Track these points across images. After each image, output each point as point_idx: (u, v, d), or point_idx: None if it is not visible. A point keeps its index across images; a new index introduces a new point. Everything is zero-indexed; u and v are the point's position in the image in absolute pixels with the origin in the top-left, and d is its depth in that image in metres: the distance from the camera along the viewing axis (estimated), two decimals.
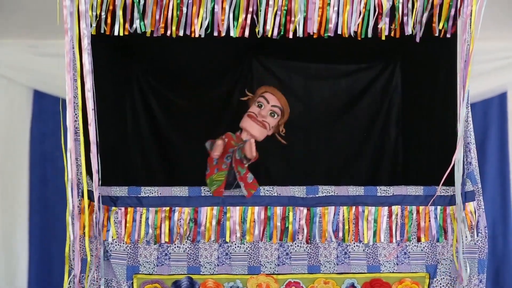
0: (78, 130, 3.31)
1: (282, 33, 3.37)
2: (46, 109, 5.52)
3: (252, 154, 3.40)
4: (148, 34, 3.38)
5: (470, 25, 3.31)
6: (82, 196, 3.42)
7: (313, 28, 3.36)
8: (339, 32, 3.37)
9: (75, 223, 3.32)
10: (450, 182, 3.52)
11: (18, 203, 5.60)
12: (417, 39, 3.40)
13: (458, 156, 3.36)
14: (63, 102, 3.28)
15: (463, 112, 3.35)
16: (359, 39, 3.40)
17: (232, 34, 3.37)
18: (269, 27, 3.36)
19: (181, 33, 3.37)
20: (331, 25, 3.36)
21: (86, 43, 3.25)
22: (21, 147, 5.59)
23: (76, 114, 3.33)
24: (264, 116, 3.68)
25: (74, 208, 3.30)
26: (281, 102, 3.73)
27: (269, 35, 3.38)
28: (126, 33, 3.37)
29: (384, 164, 4.98)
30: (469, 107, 3.46)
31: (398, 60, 4.93)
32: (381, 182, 4.72)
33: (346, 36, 3.38)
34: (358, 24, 3.37)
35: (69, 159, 3.27)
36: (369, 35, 3.39)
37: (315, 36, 3.39)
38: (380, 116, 4.98)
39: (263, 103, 3.70)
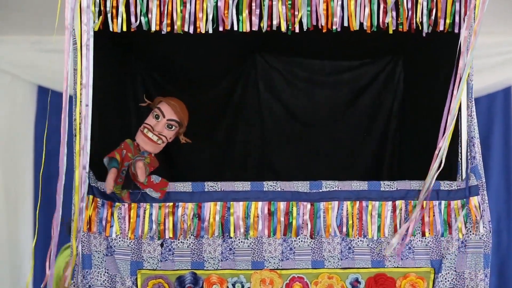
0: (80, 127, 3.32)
1: (290, 27, 3.37)
2: (50, 105, 5.52)
3: (141, 179, 3.37)
4: (152, 31, 3.38)
5: (474, 19, 3.30)
6: (87, 192, 3.42)
7: (320, 21, 3.35)
8: (345, 24, 3.36)
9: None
10: (453, 177, 3.53)
11: (23, 201, 5.61)
12: (424, 34, 3.39)
13: (442, 147, 3.35)
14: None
15: (454, 104, 3.34)
16: (369, 31, 3.38)
17: (235, 28, 3.37)
18: (275, 21, 3.35)
19: (186, 29, 3.37)
20: (336, 19, 3.35)
21: (85, 38, 3.25)
22: (25, 144, 5.60)
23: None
24: (160, 130, 3.62)
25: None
26: (178, 116, 3.64)
27: (282, 29, 3.36)
28: (130, 30, 3.37)
29: (386, 159, 4.97)
30: (473, 101, 3.46)
31: (400, 56, 4.92)
32: (384, 177, 4.72)
33: (355, 29, 3.37)
34: (366, 17, 3.35)
35: (60, 155, 3.27)
36: (374, 28, 3.38)
37: (324, 31, 3.38)
38: (382, 112, 4.97)
39: (160, 116, 3.63)
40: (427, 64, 4.24)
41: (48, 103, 3.66)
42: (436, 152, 3.35)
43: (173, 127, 3.66)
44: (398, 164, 4.91)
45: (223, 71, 4.82)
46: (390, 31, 3.40)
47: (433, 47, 3.94)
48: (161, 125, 3.62)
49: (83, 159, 3.30)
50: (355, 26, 3.36)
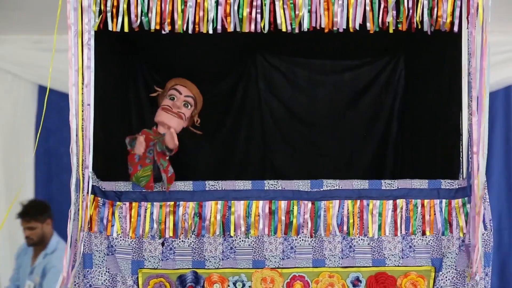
0: (83, 126, 3.32)
1: (293, 26, 3.36)
2: (51, 105, 5.53)
3: (175, 143, 3.41)
4: (152, 30, 3.38)
5: (478, 18, 3.29)
6: (88, 191, 3.42)
7: (320, 22, 3.35)
8: (344, 26, 3.36)
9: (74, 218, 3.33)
10: (454, 175, 3.53)
11: (24, 199, 5.62)
12: (429, 32, 3.38)
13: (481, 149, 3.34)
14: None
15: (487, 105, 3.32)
16: (371, 32, 3.38)
17: (237, 29, 3.37)
18: (279, 21, 3.35)
19: (185, 28, 3.36)
20: (337, 19, 3.35)
21: (86, 38, 3.26)
22: (26, 142, 5.60)
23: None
24: (179, 107, 3.67)
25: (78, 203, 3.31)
26: (193, 92, 3.73)
27: (283, 29, 3.36)
28: (131, 29, 3.37)
29: (387, 158, 4.97)
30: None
31: (401, 55, 4.92)
32: (385, 176, 4.72)
33: (353, 30, 3.36)
34: (368, 17, 3.35)
35: (71, 155, 3.28)
36: (376, 27, 3.38)
37: (326, 31, 3.37)
38: (383, 110, 4.97)
39: (176, 95, 3.69)
40: (428, 62, 4.24)
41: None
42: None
43: (189, 106, 3.72)
44: (400, 163, 4.91)
45: (224, 71, 4.82)
46: (391, 30, 3.39)
47: (434, 46, 3.94)
48: (179, 102, 3.69)
49: (86, 158, 3.30)
50: (351, 27, 3.36)
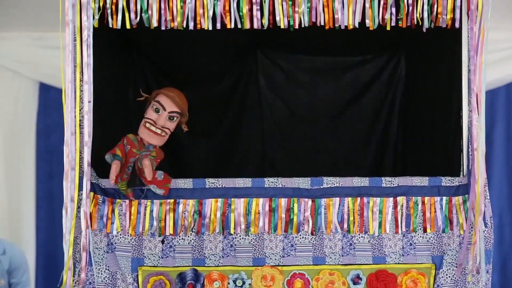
0: (81, 123, 3.32)
1: (291, 23, 3.35)
2: (51, 102, 5.53)
3: (149, 177, 3.39)
4: (152, 27, 3.37)
5: (478, 15, 3.29)
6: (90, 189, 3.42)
7: (319, 19, 3.35)
8: (345, 23, 3.35)
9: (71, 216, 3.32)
10: (454, 172, 3.52)
11: (25, 198, 5.61)
12: (424, 29, 3.38)
13: (480, 146, 3.34)
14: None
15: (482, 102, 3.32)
16: (371, 29, 3.38)
17: (238, 26, 3.37)
18: (278, 18, 3.34)
19: (185, 25, 3.36)
20: (337, 16, 3.34)
21: (85, 35, 3.25)
22: (27, 140, 5.59)
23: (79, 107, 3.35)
24: (163, 123, 3.62)
25: (69, 201, 3.30)
26: (178, 107, 3.64)
27: (281, 26, 3.35)
28: (129, 27, 3.37)
29: (388, 156, 4.97)
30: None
31: (403, 52, 4.92)
32: (385, 174, 4.71)
33: (353, 27, 3.36)
34: (367, 15, 3.35)
35: (65, 152, 3.27)
36: (376, 25, 3.38)
37: (326, 28, 3.37)
38: (384, 108, 4.97)
39: (160, 109, 3.62)
40: (429, 60, 4.24)
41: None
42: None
43: (175, 118, 3.67)
44: (401, 161, 4.91)
45: (225, 68, 4.82)
46: (388, 28, 3.39)
47: (435, 43, 3.94)
48: (163, 118, 3.63)
49: (87, 155, 3.30)
50: (350, 24, 3.35)
